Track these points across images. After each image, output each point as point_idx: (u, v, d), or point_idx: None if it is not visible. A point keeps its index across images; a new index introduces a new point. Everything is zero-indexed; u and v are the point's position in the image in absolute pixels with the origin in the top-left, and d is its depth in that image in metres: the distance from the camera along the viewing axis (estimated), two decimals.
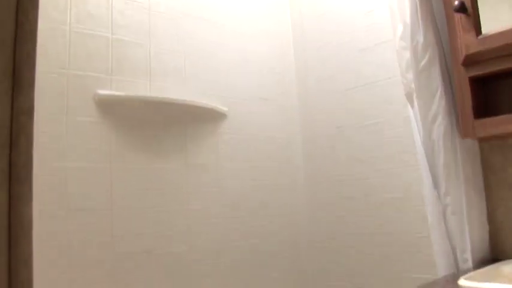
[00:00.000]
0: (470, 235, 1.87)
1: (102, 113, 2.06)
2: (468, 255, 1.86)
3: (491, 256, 1.94)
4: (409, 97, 2.05)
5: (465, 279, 1.54)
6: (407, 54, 2.03)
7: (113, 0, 2.18)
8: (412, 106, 2.03)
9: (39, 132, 1.84)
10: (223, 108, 2.48)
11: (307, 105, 2.85)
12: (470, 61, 1.86)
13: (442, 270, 1.91)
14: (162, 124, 2.26)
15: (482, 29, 1.84)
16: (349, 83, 2.61)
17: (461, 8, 1.85)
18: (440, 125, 1.94)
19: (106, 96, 2.06)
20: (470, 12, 1.85)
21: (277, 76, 2.85)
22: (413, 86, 2.01)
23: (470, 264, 1.85)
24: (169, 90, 2.30)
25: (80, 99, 2.00)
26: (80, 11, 2.07)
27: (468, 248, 1.86)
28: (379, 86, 2.46)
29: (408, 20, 2.02)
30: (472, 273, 1.62)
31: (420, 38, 1.99)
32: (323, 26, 2.79)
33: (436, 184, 1.96)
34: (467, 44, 1.85)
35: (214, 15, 2.60)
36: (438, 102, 1.95)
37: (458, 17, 1.88)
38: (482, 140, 1.99)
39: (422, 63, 1.98)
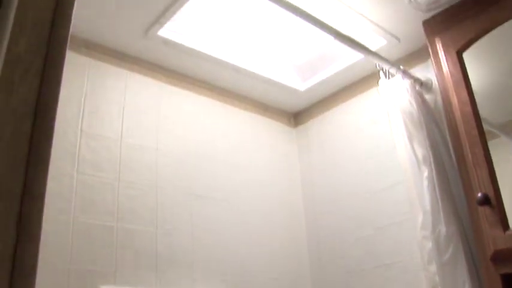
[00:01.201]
0: None
1: None
2: None
3: None
4: None
5: None
6: (429, 245, 1.91)
7: (119, 186, 2.11)
8: None
9: None
10: None
11: (321, 283, 2.68)
12: (499, 257, 1.73)
13: None
14: None
15: (509, 222, 1.73)
16: (365, 262, 2.46)
17: (485, 201, 1.76)
18: None
19: None
20: (494, 204, 1.75)
21: (288, 254, 2.70)
22: (437, 279, 1.87)
23: None
24: (178, 282, 2.15)
25: None
26: (85, 199, 1.99)
27: None
28: (396, 268, 2.30)
29: (428, 207, 1.93)
30: None
31: (442, 228, 1.89)
32: (335, 196, 2.71)
33: None
34: (494, 239, 1.73)
35: (222, 193, 2.52)
36: None
37: (483, 209, 1.78)
38: None
39: (446, 256, 1.86)
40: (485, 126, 1.93)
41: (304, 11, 1.88)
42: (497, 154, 1.88)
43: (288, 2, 1.82)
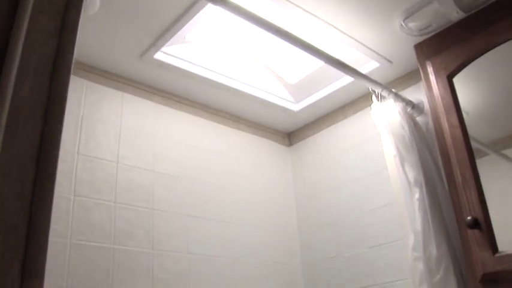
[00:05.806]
0: None
1: None
2: None
3: None
4: None
5: None
6: (421, 266, 1.94)
7: (115, 207, 2.14)
8: None
9: None
10: None
11: None
12: (488, 279, 1.77)
13: None
14: None
15: (498, 246, 1.77)
16: (357, 282, 2.48)
17: (474, 224, 1.79)
18: None
19: None
20: (484, 228, 1.79)
21: (282, 273, 2.72)
22: None
23: None
24: None
25: None
26: (81, 221, 2.01)
27: None
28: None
29: (419, 228, 1.96)
30: None
31: (433, 250, 1.92)
32: (328, 215, 2.74)
33: None
34: (483, 261, 1.77)
35: (218, 213, 2.56)
36: None
37: (472, 232, 1.81)
38: None
39: (437, 277, 1.89)
40: (475, 145, 1.97)
41: (295, 37, 1.91)
42: (486, 172, 1.92)
43: (279, 28, 1.85)
